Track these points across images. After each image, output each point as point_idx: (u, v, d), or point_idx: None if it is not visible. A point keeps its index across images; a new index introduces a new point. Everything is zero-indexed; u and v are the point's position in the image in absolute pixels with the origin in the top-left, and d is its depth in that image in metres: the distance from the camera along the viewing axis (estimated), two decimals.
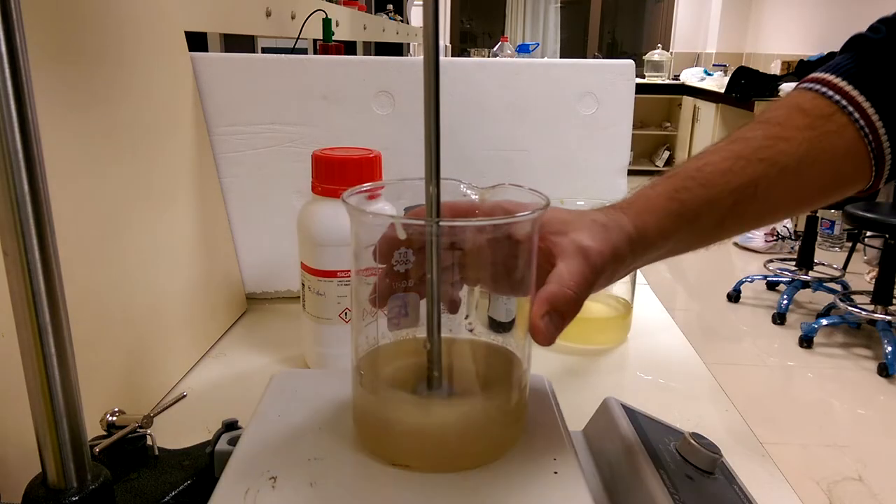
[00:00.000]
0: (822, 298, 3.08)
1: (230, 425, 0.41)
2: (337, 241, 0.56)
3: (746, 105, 4.04)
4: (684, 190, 0.44)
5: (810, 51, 4.35)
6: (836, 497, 1.84)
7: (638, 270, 0.73)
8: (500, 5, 6.30)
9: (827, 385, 2.47)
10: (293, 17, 1.36)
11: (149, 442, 0.40)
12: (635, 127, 0.82)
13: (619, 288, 0.72)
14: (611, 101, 0.78)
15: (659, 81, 5.66)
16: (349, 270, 0.45)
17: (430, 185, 0.33)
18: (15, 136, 0.28)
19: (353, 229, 0.36)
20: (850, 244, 3.53)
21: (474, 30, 6.50)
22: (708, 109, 4.89)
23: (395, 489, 0.33)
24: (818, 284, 3.08)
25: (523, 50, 5.20)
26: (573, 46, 6.33)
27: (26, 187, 0.29)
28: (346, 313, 0.58)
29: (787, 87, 3.76)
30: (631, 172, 0.82)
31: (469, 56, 5.32)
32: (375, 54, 2.85)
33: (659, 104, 5.79)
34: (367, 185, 0.39)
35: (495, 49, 4.18)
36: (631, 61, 0.79)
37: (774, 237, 3.81)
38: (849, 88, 0.46)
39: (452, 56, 4.90)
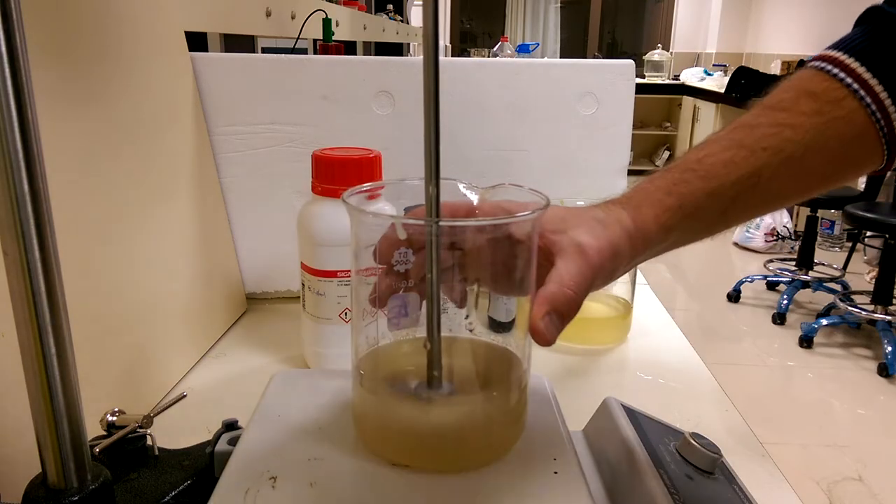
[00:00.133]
0: (822, 298, 3.08)
1: (230, 425, 0.41)
2: (337, 241, 0.56)
3: (746, 105, 4.02)
4: (683, 183, 0.43)
5: (810, 51, 4.34)
6: (836, 497, 1.84)
7: (638, 270, 0.73)
8: (500, 5, 6.30)
9: (827, 385, 2.47)
10: (293, 17, 1.36)
11: (149, 442, 0.40)
12: (635, 127, 0.82)
13: (619, 288, 0.72)
14: (611, 101, 0.78)
15: (659, 81, 5.66)
16: (349, 270, 0.45)
17: (430, 185, 0.33)
18: (15, 135, 0.28)
19: (353, 229, 0.36)
20: (850, 244, 3.53)
21: (474, 30, 6.50)
22: (708, 109, 4.89)
23: (395, 489, 0.33)
24: (818, 284, 3.08)
25: (523, 50, 5.20)
26: (573, 46, 6.33)
27: (26, 187, 0.29)
28: (346, 313, 0.58)
29: None
30: (631, 172, 0.82)
31: (469, 56, 5.32)
32: (375, 54, 2.85)
33: (659, 104, 5.79)
34: (367, 185, 0.39)
35: (495, 49, 4.18)
36: (631, 61, 0.79)
37: (774, 237, 3.81)
38: (861, 70, 0.43)
39: (452, 56, 4.90)
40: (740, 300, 3.22)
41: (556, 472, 0.35)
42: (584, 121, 0.79)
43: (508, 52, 4.15)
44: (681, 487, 0.35)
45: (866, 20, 0.46)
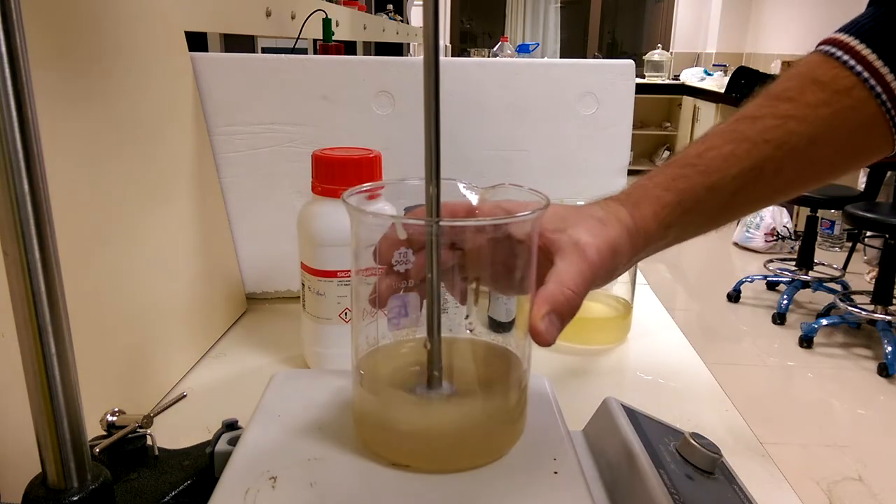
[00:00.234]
0: (822, 298, 3.08)
1: (230, 425, 0.41)
2: (337, 241, 0.56)
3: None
4: (682, 178, 0.43)
5: (810, 50, 4.34)
6: (836, 497, 1.84)
7: (638, 270, 0.73)
8: (500, 5, 6.30)
9: (827, 385, 2.47)
10: (293, 17, 1.36)
11: (149, 442, 0.40)
12: (635, 127, 0.82)
13: (619, 288, 0.72)
14: (611, 101, 0.78)
15: (659, 81, 5.66)
16: (349, 270, 0.45)
17: (430, 185, 0.33)
18: (15, 135, 0.28)
19: (353, 229, 0.36)
20: (850, 244, 3.53)
21: (474, 30, 6.50)
22: (708, 109, 4.89)
23: (395, 489, 0.33)
24: (818, 284, 3.08)
25: (523, 50, 5.20)
26: (573, 46, 6.33)
27: (26, 187, 0.29)
28: (346, 313, 0.58)
29: None
30: (631, 172, 0.82)
31: (469, 56, 5.32)
32: (375, 54, 2.85)
33: (659, 104, 5.79)
34: (367, 185, 0.39)
35: (495, 49, 4.18)
36: (631, 61, 0.79)
37: (774, 237, 3.81)
38: (872, 58, 0.41)
39: (452, 56, 4.90)
40: (740, 300, 3.22)
41: (556, 472, 0.35)
42: (584, 121, 0.79)
43: (508, 52, 4.15)
44: (681, 487, 0.35)
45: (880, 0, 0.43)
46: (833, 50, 0.43)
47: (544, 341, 0.36)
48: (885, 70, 0.41)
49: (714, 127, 0.45)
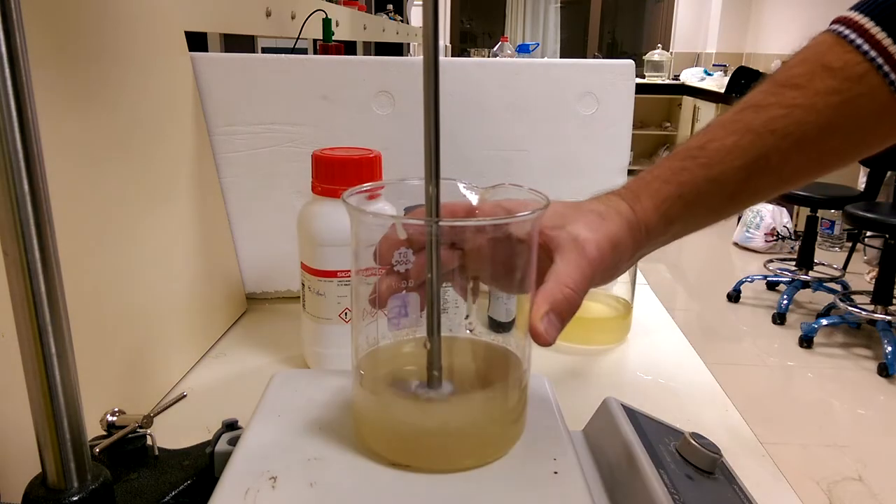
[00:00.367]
0: (822, 298, 3.08)
1: (230, 425, 0.41)
2: (337, 241, 0.56)
3: None
4: (684, 171, 0.42)
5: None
6: (836, 497, 1.84)
7: (638, 270, 0.73)
8: (500, 5, 6.30)
9: (827, 385, 2.47)
10: (293, 17, 1.36)
11: (149, 442, 0.40)
12: (635, 127, 0.82)
13: (619, 288, 0.72)
14: (611, 101, 0.78)
15: (659, 81, 5.66)
16: (349, 270, 0.45)
17: (430, 185, 0.33)
18: (15, 135, 0.28)
19: (353, 229, 0.36)
20: (850, 244, 3.53)
21: (474, 30, 6.49)
22: (708, 109, 4.89)
23: (395, 489, 0.33)
24: (818, 284, 3.08)
25: (523, 50, 5.20)
26: (573, 46, 6.33)
27: (26, 187, 0.29)
28: (346, 313, 0.58)
29: None
30: (631, 172, 0.82)
31: (469, 56, 5.32)
32: (375, 54, 2.85)
33: (659, 104, 5.79)
34: (367, 185, 0.39)
35: (495, 49, 4.18)
36: (631, 61, 0.79)
37: (774, 237, 3.81)
38: (887, 42, 0.39)
39: (452, 56, 4.90)
40: (740, 300, 3.22)
41: (556, 472, 0.35)
42: (584, 121, 0.79)
43: (508, 52, 4.15)
44: (681, 487, 0.35)
45: None
46: (846, 31, 0.40)
47: (544, 341, 0.36)
48: None
49: (718, 116, 0.44)
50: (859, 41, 0.39)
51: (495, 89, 0.77)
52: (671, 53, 5.92)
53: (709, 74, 5.34)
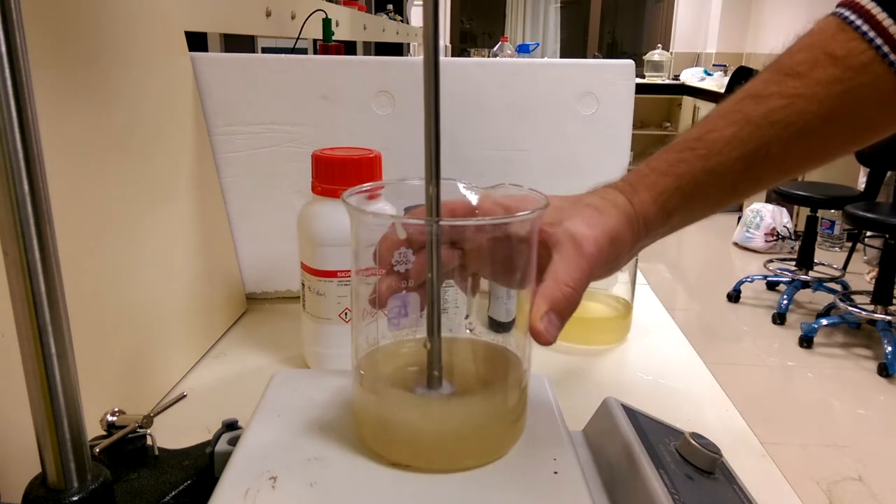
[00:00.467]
0: (822, 298, 3.08)
1: (230, 425, 0.41)
2: (337, 241, 0.56)
3: None
4: (681, 163, 0.41)
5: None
6: (836, 497, 1.84)
7: (638, 270, 0.73)
8: (500, 5, 6.30)
9: (827, 385, 2.47)
10: (293, 17, 1.36)
11: (149, 442, 0.40)
12: (635, 127, 0.82)
13: (619, 288, 0.72)
14: (611, 101, 0.78)
15: (659, 81, 5.66)
16: (349, 270, 0.45)
17: (430, 185, 0.33)
18: (15, 136, 0.28)
19: (353, 229, 0.36)
20: (850, 244, 3.53)
21: (474, 30, 6.49)
22: (708, 109, 4.81)
23: (395, 489, 0.33)
24: (818, 284, 3.08)
25: (523, 50, 5.20)
26: (573, 46, 6.33)
27: (26, 187, 0.29)
28: (346, 313, 0.58)
29: None
30: None
31: (469, 56, 5.32)
32: (375, 54, 2.85)
33: (659, 104, 5.79)
34: (367, 185, 0.39)
35: (495, 49, 4.18)
36: (631, 61, 0.79)
37: (774, 237, 3.81)
38: (893, 29, 0.37)
39: (452, 56, 4.90)
40: (740, 300, 3.22)
41: (556, 472, 0.35)
42: (584, 121, 0.79)
43: (508, 52, 4.15)
44: (681, 487, 0.35)
45: None
46: (850, 16, 0.39)
47: (545, 341, 0.36)
48: None
49: (718, 106, 0.43)
50: (865, 27, 0.38)
51: (495, 89, 0.77)
52: (671, 53, 5.92)
53: (709, 74, 5.34)
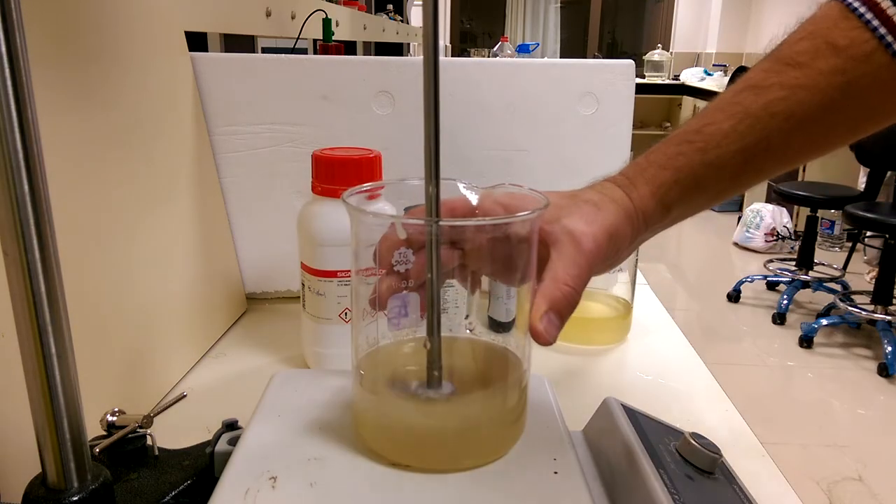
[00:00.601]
0: (822, 298, 3.08)
1: (230, 425, 0.41)
2: (337, 241, 0.56)
3: None
4: (680, 156, 0.41)
5: None
6: (836, 497, 1.84)
7: (638, 270, 0.73)
8: (500, 5, 6.30)
9: (827, 385, 2.47)
10: (293, 17, 1.36)
11: (149, 442, 0.40)
12: (635, 127, 0.81)
13: (619, 288, 0.72)
14: (611, 101, 0.78)
15: (659, 81, 5.66)
16: (349, 270, 0.45)
17: (430, 185, 0.33)
18: (15, 136, 0.28)
19: (353, 229, 0.36)
20: (850, 244, 3.53)
21: (474, 30, 6.49)
22: None
23: (395, 489, 0.33)
24: (818, 284, 3.08)
25: (523, 50, 5.20)
26: (573, 46, 6.33)
27: (26, 187, 0.29)
28: (346, 313, 0.58)
29: None
30: None
31: (469, 56, 5.32)
32: (375, 54, 2.85)
33: (659, 104, 5.79)
34: (367, 185, 0.39)
35: (495, 49, 4.17)
36: (631, 61, 0.79)
37: (774, 237, 3.81)
38: None
39: (452, 56, 4.90)
40: (740, 300, 3.22)
41: (556, 472, 0.35)
42: (584, 121, 0.79)
43: (508, 52, 4.15)
44: (681, 487, 0.35)
45: None
46: (854, 3, 0.38)
47: (545, 341, 0.36)
48: None
49: (717, 97, 0.42)
50: (868, 16, 0.37)
51: (495, 89, 0.77)
52: (671, 53, 5.92)
53: (709, 74, 5.33)
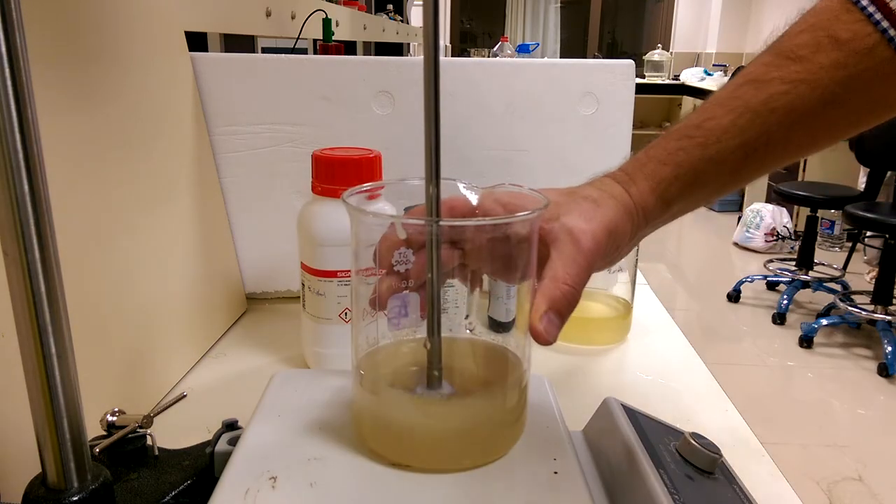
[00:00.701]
0: (822, 298, 3.08)
1: (230, 425, 0.41)
2: (337, 241, 0.56)
3: None
4: (680, 151, 0.40)
5: None
6: (836, 497, 1.84)
7: (638, 270, 0.73)
8: (500, 5, 6.30)
9: (827, 385, 2.47)
10: (293, 17, 1.36)
11: (149, 442, 0.40)
12: (635, 127, 0.81)
13: (619, 288, 0.72)
14: (611, 101, 0.78)
15: (659, 81, 5.66)
16: (349, 270, 0.45)
17: (430, 185, 0.33)
18: (15, 136, 0.28)
19: (353, 229, 0.36)
20: (850, 244, 3.53)
21: (474, 30, 6.49)
22: None
23: (395, 489, 0.33)
24: (818, 284, 3.08)
25: (523, 50, 5.20)
26: (573, 46, 6.33)
27: (26, 187, 0.29)
28: (346, 313, 0.58)
29: None
30: None
31: (469, 56, 5.32)
32: (375, 54, 2.85)
33: (659, 104, 5.79)
34: (367, 185, 0.39)
35: (495, 49, 4.17)
36: (631, 61, 0.79)
37: (774, 237, 3.81)
38: None
39: (452, 56, 4.90)
40: (740, 300, 3.22)
41: (556, 472, 0.35)
42: (584, 121, 0.79)
43: (508, 52, 4.14)
44: (681, 487, 0.35)
45: None
46: None
47: (545, 341, 0.36)
48: None
49: (717, 91, 0.42)
50: (871, 8, 0.37)
51: (495, 89, 0.77)
52: (671, 53, 5.92)
53: (709, 74, 5.33)
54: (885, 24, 0.37)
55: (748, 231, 3.88)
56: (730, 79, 0.43)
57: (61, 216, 0.32)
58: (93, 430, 0.37)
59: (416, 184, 0.35)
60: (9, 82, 0.28)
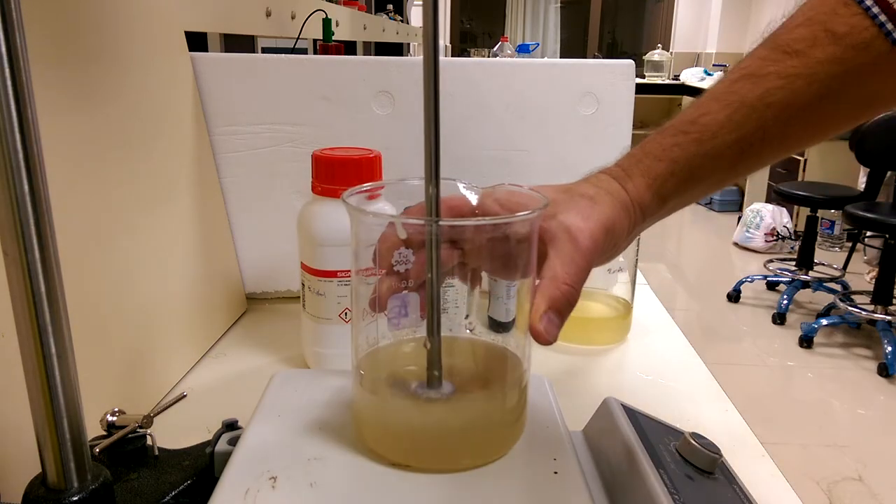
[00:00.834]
0: (822, 298, 3.09)
1: (230, 425, 0.41)
2: (337, 241, 0.56)
3: None
4: (675, 147, 0.40)
5: None
6: (836, 497, 1.84)
7: (638, 270, 0.73)
8: (500, 5, 6.30)
9: (827, 385, 2.47)
10: (293, 17, 1.36)
11: (149, 442, 0.40)
12: (635, 127, 0.81)
13: (619, 288, 0.72)
14: (611, 101, 0.78)
15: (659, 81, 5.66)
16: (349, 270, 0.45)
17: (430, 185, 0.33)
18: (15, 136, 0.28)
19: (353, 229, 0.36)
20: (850, 244, 3.53)
21: (474, 30, 6.49)
22: None
23: (395, 489, 0.33)
24: (818, 284, 3.08)
25: (523, 50, 5.20)
26: (573, 46, 6.33)
27: (26, 187, 0.29)
28: (346, 313, 0.58)
29: None
30: None
31: (469, 56, 5.31)
32: (375, 54, 2.85)
33: (659, 104, 5.79)
34: (367, 185, 0.39)
35: (495, 49, 4.18)
36: (631, 61, 0.79)
37: (774, 237, 3.81)
38: None
39: (452, 56, 4.90)
40: (740, 300, 3.22)
41: (556, 472, 0.35)
42: (584, 121, 0.79)
43: (508, 52, 4.14)
44: (681, 487, 0.35)
45: None
46: None
47: (545, 341, 0.36)
48: None
49: (713, 86, 0.42)
50: (868, 2, 0.37)
51: (495, 89, 0.77)
52: (671, 53, 5.92)
53: (709, 74, 5.33)
54: (882, 17, 0.37)
55: (748, 231, 3.88)
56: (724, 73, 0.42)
57: (61, 216, 0.32)
58: (93, 430, 0.37)
59: (416, 184, 0.35)
60: (9, 82, 0.28)
